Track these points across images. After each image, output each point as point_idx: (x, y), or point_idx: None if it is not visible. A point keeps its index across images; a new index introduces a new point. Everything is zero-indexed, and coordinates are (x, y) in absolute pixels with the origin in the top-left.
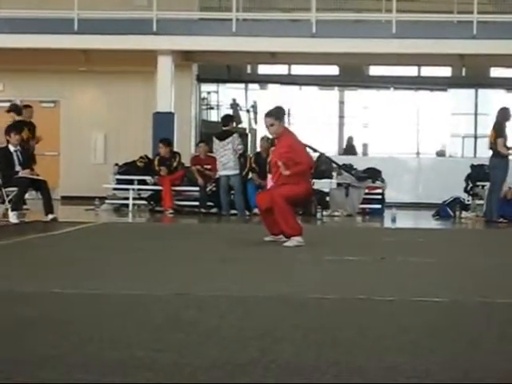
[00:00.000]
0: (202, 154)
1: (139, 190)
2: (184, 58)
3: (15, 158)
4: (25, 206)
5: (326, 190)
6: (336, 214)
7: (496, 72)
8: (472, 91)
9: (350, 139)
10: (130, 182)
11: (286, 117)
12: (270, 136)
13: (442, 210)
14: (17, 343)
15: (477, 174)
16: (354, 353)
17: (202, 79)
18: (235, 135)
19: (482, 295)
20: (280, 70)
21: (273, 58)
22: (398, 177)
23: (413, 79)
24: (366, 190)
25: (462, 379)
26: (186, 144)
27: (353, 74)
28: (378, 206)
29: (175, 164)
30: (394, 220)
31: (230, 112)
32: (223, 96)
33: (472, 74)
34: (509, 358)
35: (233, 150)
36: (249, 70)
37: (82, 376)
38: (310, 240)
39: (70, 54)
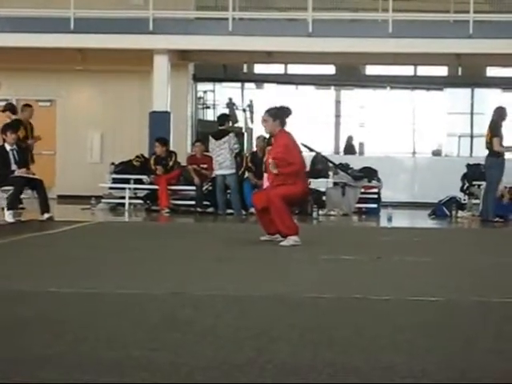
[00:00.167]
0: (198, 154)
1: (135, 189)
2: (180, 58)
3: (11, 157)
4: (21, 205)
5: (323, 189)
6: (332, 213)
7: (492, 71)
8: (468, 90)
9: (350, 139)
10: (127, 181)
11: (287, 118)
12: (266, 135)
13: (438, 210)
14: (13, 343)
15: (473, 173)
16: (350, 352)
17: (198, 78)
18: (231, 134)
19: (478, 294)
20: (276, 69)
21: (269, 57)
22: (394, 176)
23: (409, 78)
24: (362, 190)
25: (459, 379)
26: (182, 143)
27: (349, 74)
28: (374, 206)
29: (171, 163)
30: (390, 219)
31: (227, 111)
32: (219, 95)
33: (468, 74)
34: (505, 357)
35: (229, 150)
36: (245, 70)
37: (79, 376)
38: (307, 239)
39: (67, 53)
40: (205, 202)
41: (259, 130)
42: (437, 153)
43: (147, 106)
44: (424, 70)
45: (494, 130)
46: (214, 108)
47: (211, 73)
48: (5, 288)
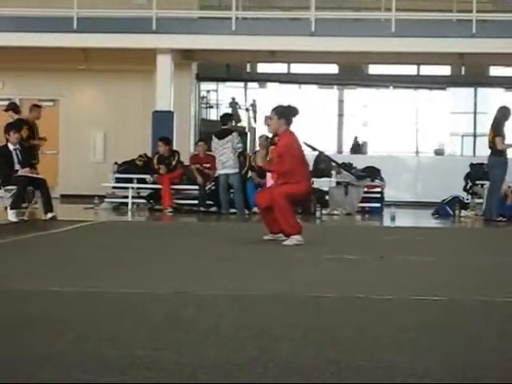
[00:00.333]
0: (201, 153)
1: (138, 188)
2: (183, 57)
3: (14, 156)
4: (24, 205)
5: (326, 188)
6: (335, 212)
7: (495, 71)
8: (471, 90)
9: (357, 139)
10: (130, 180)
11: (294, 118)
12: (269, 135)
13: (442, 209)
14: (15, 342)
15: (476, 172)
16: (352, 351)
17: (201, 78)
18: (234, 134)
19: (482, 294)
20: (279, 68)
21: (272, 56)
22: (397, 175)
23: (412, 78)
24: (365, 189)
25: (461, 378)
26: (185, 143)
27: (352, 73)
28: (378, 205)
29: (174, 163)
30: (393, 219)
31: (230, 111)
32: (222, 95)
33: (471, 73)
34: (508, 356)
35: (232, 149)
36: (248, 69)
37: (81, 375)
38: (310, 239)
39: (70, 52)
40: (208, 202)
41: (262, 129)
42: (439, 152)
43: (150, 105)
44: (427, 70)
45: (497, 129)
46: (217, 107)
47: (214, 72)
48: (8, 287)
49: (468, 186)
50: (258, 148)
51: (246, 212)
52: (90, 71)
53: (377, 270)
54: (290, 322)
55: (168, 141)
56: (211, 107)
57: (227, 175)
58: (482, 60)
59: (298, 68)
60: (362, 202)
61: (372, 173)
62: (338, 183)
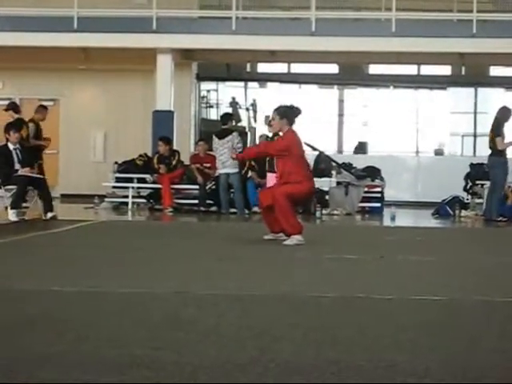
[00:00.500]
0: (201, 153)
1: (139, 188)
2: (184, 57)
3: (14, 156)
4: (25, 204)
5: (326, 188)
6: (335, 212)
7: (495, 71)
8: (471, 90)
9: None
10: (130, 180)
11: (296, 118)
12: (270, 134)
13: (442, 209)
14: (15, 341)
15: (476, 172)
16: (353, 351)
17: (201, 77)
18: (235, 133)
19: (482, 294)
20: (280, 68)
21: (272, 56)
22: (397, 175)
23: (412, 78)
24: (366, 189)
25: (461, 378)
26: (185, 142)
27: (352, 73)
28: (378, 205)
29: (174, 162)
30: (393, 218)
31: (230, 110)
32: (223, 94)
33: (471, 73)
34: (508, 356)
35: (232, 149)
36: (248, 69)
37: (80, 375)
38: (310, 238)
39: (70, 52)
40: (208, 201)
41: (262, 129)
42: (439, 152)
43: (150, 105)
44: (427, 70)
45: (496, 129)
46: (217, 107)
47: (214, 72)
48: (8, 287)
49: (468, 186)
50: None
51: (246, 212)
52: (91, 71)
53: (377, 269)
54: (290, 321)
55: (168, 140)
56: (211, 107)
57: (227, 175)
58: (483, 60)
59: (298, 68)
60: (362, 201)
61: (372, 173)
62: (338, 183)
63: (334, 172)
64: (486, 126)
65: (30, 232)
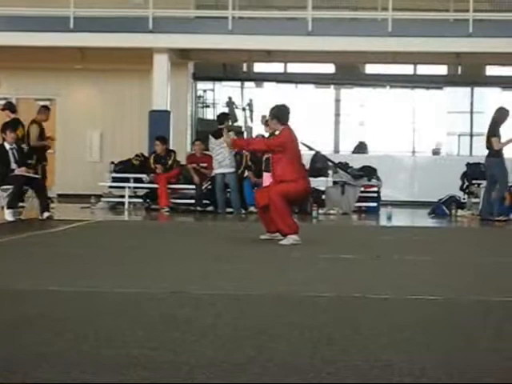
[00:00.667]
0: (197, 152)
1: (135, 188)
2: (180, 56)
3: (11, 155)
4: (21, 204)
5: (322, 188)
6: (332, 212)
7: (492, 70)
8: (468, 89)
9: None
10: (126, 180)
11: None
12: (266, 134)
13: (438, 209)
14: (12, 341)
15: (472, 172)
16: (349, 351)
17: (198, 77)
18: (231, 133)
19: (478, 293)
20: (276, 68)
21: (269, 56)
22: (393, 175)
23: (409, 77)
24: (362, 189)
25: (458, 378)
26: (181, 142)
27: (349, 72)
28: (374, 205)
29: (170, 162)
30: (389, 218)
31: (226, 110)
32: (219, 94)
33: (468, 72)
34: (505, 356)
35: (228, 149)
36: (245, 68)
37: (78, 375)
38: (306, 238)
39: (66, 51)
40: (204, 201)
41: (259, 128)
42: (436, 152)
43: (147, 104)
44: (424, 69)
45: (492, 130)
46: (213, 107)
47: (211, 72)
48: (4, 287)
49: (464, 186)
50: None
51: (243, 211)
52: (87, 70)
53: (373, 269)
54: (286, 321)
55: (165, 140)
56: (208, 107)
57: (224, 174)
58: (479, 59)
59: (294, 67)
60: (358, 201)
61: (369, 172)
62: (334, 183)
63: (330, 171)
64: (482, 125)
65: (26, 232)
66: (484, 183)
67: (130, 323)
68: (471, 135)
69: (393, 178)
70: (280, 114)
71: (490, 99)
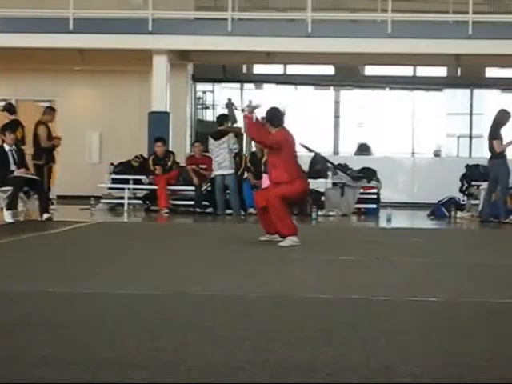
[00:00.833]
0: (197, 154)
1: (134, 189)
2: (179, 58)
3: (10, 157)
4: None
5: (322, 189)
6: (331, 213)
7: (491, 72)
8: (467, 91)
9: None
10: (126, 181)
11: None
12: None
13: (437, 210)
14: (11, 342)
15: (472, 173)
16: (349, 352)
17: (197, 79)
18: (230, 135)
19: (478, 295)
20: (275, 69)
21: (268, 57)
22: (393, 177)
23: (408, 79)
24: (362, 190)
25: (457, 379)
26: (181, 143)
27: (348, 74)
28: (374, 206)
29: (170, 163)
30: (389, 220)
31: (226, 112)
32: (219, 96)
33: (467, 74)
34: (504, 357)
35: (228, 150)
36: (244, 70)
37: (77, 376)
38: (305, 240)
39: (66, 53)
40: (204, 203)
41: None
42: (438, 154)
43: (146, 106)
44: (423, 71)
45: (494, 132)
46: (213, 108)
47: (210, 73)
48: (4, 288)
49: (464, 188)
50: (254, 149)
51: (242, 213)
52: (87, 72)
53: (372, 271)
54: (286, 322)
55: (165, 141)
56: (207, 108)
57: (223, 176)
58: (478, 61)
59: (294, 69)
60: (358, 203)
61: (368, 174)
62: (334, 184)
63: (329, 173)
64: (481, 127)
65: (25, 233)
66: (484, 185)
67: (129, 324)
68: (470, 137)
69: (392, 179)
70: (272, 117)
71: (490, 101)
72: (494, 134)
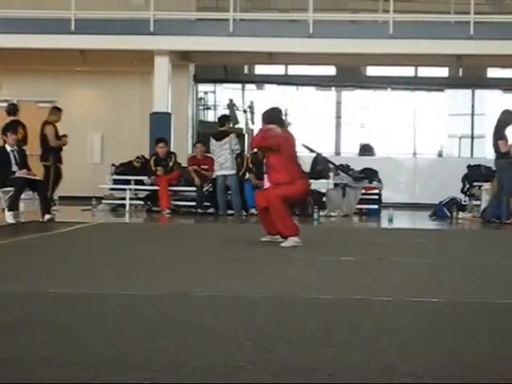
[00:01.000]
0: (198, 155)
1: (136, 190)
2: (181, 58)
3: (12, 157)
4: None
5: (323, 190)
6: (333, 214)
7: (493, 72)
8: (469, 92)
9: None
10: (127, 182)
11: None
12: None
13: (439, 211)
14: (12, 343)
15: (473, 174)
16: (350, 353)
17: (199, 79)
18: (232, 135)
19: (479, 295)
20: (277, 70)
21: (270, 58)
22: (394, 177)
23: (410, 80)
24: (363, 191)
25: (459, 379)
26: (182, 144)
27: (350, 75)
28: (375, 207)
29: (171, 164)
30: (390, 220)
31: (227, 112)
32: (220, 96)
33: (469, 75)
34: (505, 357)
35: (230, 150)
36: (246, 71)
37: (78, 375)
38: (307, 240)
39: (67, 54)
40: (205, 203)
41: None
42: (441, 154)
43: (148, 106)
44: (425, 71)
45: (498, 132)
46: (214, 109)
47: (212, 74)
48: (4, 289)
49: (465, 188)
50: (255, 150)
51: (244, 213)
52: (88, 73)
53: (374, 271)
54: (287, 323)
55: (167, 142)
56: (209, 109)
57: (225, 176)
58: (480, 62)
59: (295, 70)
60: (359, 203)
61: (370, 174)
62: (335, 185)
63: (331, 174)
64: (483, 127)
65: (27, 234)
66: (485, 185)
67: (130, 325)
68: (472, 137)
69: (394, 180)
70: (270, 117)
71: (491, 101)
72: (499, 134)
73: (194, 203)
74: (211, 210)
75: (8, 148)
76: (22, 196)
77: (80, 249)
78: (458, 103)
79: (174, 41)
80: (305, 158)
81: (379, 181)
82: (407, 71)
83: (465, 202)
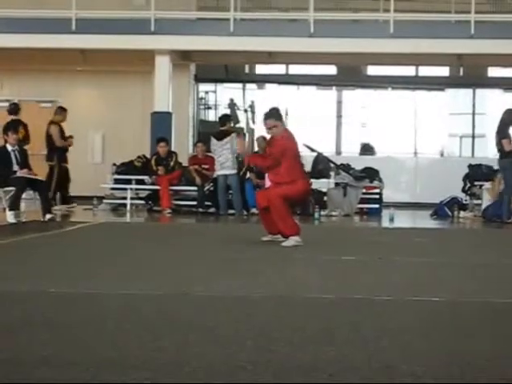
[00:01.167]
0: (199, 154)
1: (137, 189)
2: (182, 58)
3: (13, 157)
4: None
5: (324, 189)
6: (334, 213)
7: (494, 72)
8: (470, 91)
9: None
10: (128, 181)
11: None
12: (267, 136)
13: (440, 210)
14: (12, 343)
15: (474, 173)
16: (351, 352)
17: (199, 79)
18: (233, 135)
19: (480, 295)
20: (278, 69)
21: (270, 57)
22: (395, 176)
23: (410, 79)
24: (364, 190)
25: (459, 378)
26: (183, 144)
27: (350, 74)
28: (376, 206)
29: (172, 163)
30: (391, 220)
31: (228, 112)
32: (221, 96)
33: (470, 74)
34: (506, 357)
35: (231, 150)
36: (247, 70)
37: (78, 375)
38: (308, 240)
39: (68, 53)
40: (206, 203)
41: (261, 130)
42: (441, 153)
43: (149, 106)
44: (425, 71)
45: (501, 131)
46: (215, 108)
47: (213, 73)
48: (5, 288)
49: (466, 187)
50: (256, 149)
51: (245, 213)
52: (89, 72)
53: (375, 271)
54: (288, 322)
55: (167, 141)
56: (210, 108)
57: (226, 176)
58: (481, 61)
59: (296, 69)
60: (360, 203)
61: (371, 174)
62: (336, 184)
63: (332, 173)
64: (484, 127)
65: (27, 233)
66: (486, 184)
67: (131, 325)
68: (473, 137)
69: (395, 179)
70: (273, 115)
71: (492, 101)
72: (503, 133)
73: (194, 203)
74: (212, 210)
75: (9, 147)
76: (23, 196)
77: (81, 248)
78: (459, 102)
79: (174, 40)
80: (306, 158)
81: (380, 180)
82: (408, 70)
83: (466, 201)
